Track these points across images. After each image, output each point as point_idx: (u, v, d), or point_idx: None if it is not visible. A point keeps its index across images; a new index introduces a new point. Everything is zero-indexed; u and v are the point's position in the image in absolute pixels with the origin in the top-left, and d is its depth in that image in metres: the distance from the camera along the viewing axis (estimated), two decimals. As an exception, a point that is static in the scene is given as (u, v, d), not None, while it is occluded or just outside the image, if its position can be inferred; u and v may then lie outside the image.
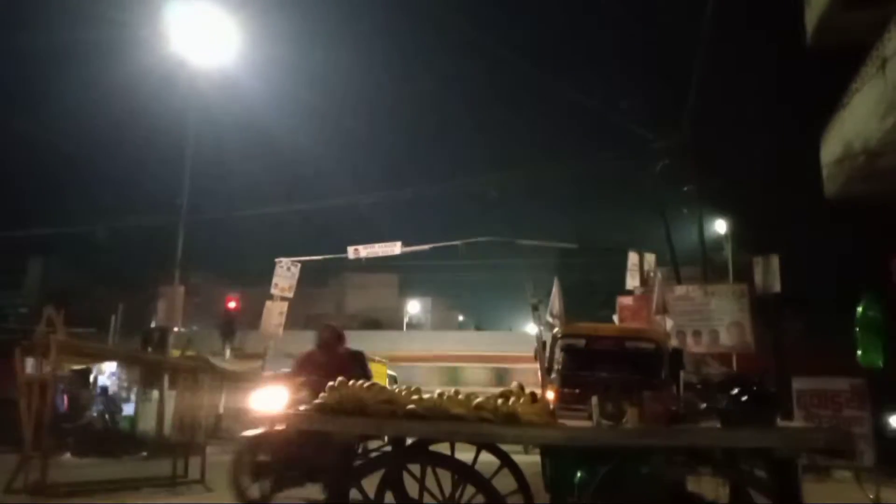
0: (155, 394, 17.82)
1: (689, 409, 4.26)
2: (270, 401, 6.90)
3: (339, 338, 7.61)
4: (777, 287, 20.34)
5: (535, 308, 6.65)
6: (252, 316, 24.68)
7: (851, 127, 13.40)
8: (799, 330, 23.00)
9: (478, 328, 50.65)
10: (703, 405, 4.35)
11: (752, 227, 26.24)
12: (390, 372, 22.70)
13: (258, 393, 8.64)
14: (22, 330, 17.48)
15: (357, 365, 7.26)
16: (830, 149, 14.54)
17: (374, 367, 21.31)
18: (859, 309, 10.28)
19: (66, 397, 17.69)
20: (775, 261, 20.66)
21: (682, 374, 11.98)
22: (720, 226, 27.78)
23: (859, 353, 10.18)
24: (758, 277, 20.59)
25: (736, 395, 3.99)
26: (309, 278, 25.59)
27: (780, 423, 4.16)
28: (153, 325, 20.87)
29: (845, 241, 22.24)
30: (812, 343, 20.57)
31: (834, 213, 17.56)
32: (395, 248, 21.94)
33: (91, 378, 20.45)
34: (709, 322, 17.70)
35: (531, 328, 33.15)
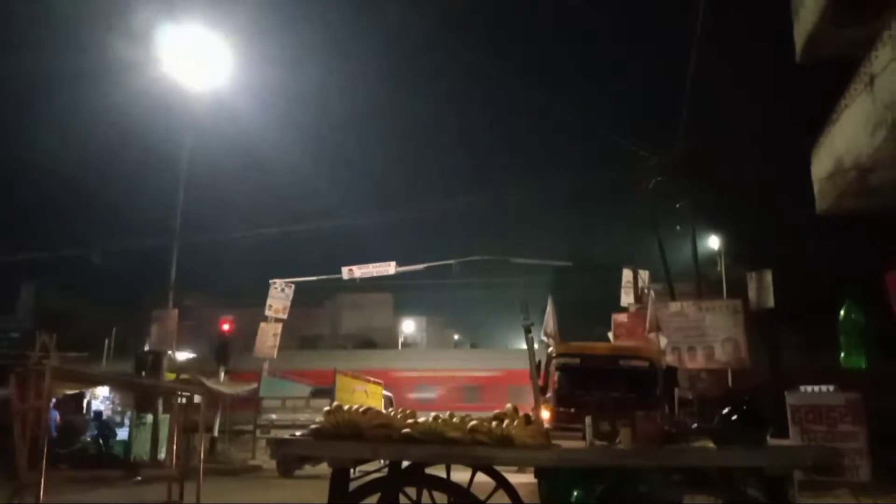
0: (149, 418, 17.74)
1: (682, 429, 4.29)
2: None
3: None
4: (771, 302, 20.42)
5: (527, 331, 6.62)
6: (246, 337, 24.66)
7: (842, 143, 13.47)
8: (794, 344, 23.05)
9: (473, 346, 50.57)
10: (695, 424, 4.38)
11: (745, 242, 26.37)
12: (386, 392, 22.63)
13: None
14: (15, 355, 17.39)
15: None
16: (821, 164, 14.60)
17: (369, 388, 21.40)
18: (841, 313, 10.35)
19: (58, 423, 17.56)
20: (769, 276, 20.75)
21: (676, 391, 12.06)
22: (714, 241, 27.90)
23: (842, 355, 10.24)
24: (752, 293, 20.69)
25: (726, 414, 4.02)
26: (303, 299, 25.61)
27: (770, 441, 4.18)
28: (146, 348, 20.77)
29: (838, 255, 22.37)
30: (808, 357, 20.60)
31: (826, 227, 17.67)
32: (390, 267, 21.99)
33: (84, 403, 20.34)
34: (703, 338, 17.77)
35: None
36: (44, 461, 8.90)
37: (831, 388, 11.40)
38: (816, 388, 11.79)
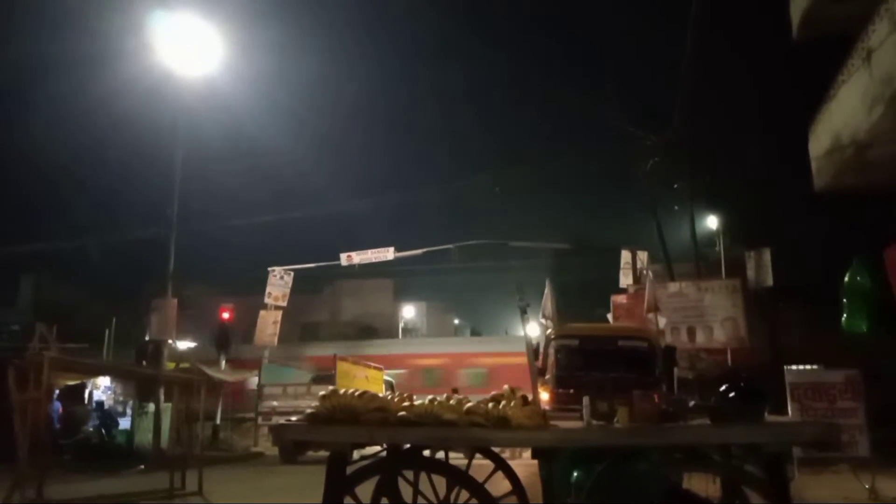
0: (151, 407, 17.78)
1: (679, 407, 4.27)
2: None
3: None
4: (769, 281, 20.46)
5: (523, 312, 6.60)
6: (246, 326, 24.63)
7: (839, 119, 13.41)
8: (794, 322, 23.07)
9: (474, 331, 50.57)
10: (692, 402, 4.37)
11: (743, 221, 26.32)
12: (387, 377, 22.66)
13: None
14: (14, 347, 17.42)
15: None
16: (819, 141, 14.54)
17: (370, 373, 21.41)
18: (847, 275, 10.27)
19: (60, 413, 17.61)
20: (767, 255, 20.78)
21: (675, 371, 12.05)
22: (712, 221, 27.84)
23: (844, 318, 10.18)
24: (750, 272, 20.73)
25: (724, 391, 4.00)
26: (302, 286, 25.56)
27: (768, 417, 4.17)
28: (147, 338, 20.77)
29: (837, 232, 22.32)
30: (807, 335, 20.63)
31: (825, 204, 17.60)
32: (388, 253, 21.94)
33: (86, 393, 20.38)
34: (703, 318, 17.78)
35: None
36: (46, 451, 8.94)
37: None
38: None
